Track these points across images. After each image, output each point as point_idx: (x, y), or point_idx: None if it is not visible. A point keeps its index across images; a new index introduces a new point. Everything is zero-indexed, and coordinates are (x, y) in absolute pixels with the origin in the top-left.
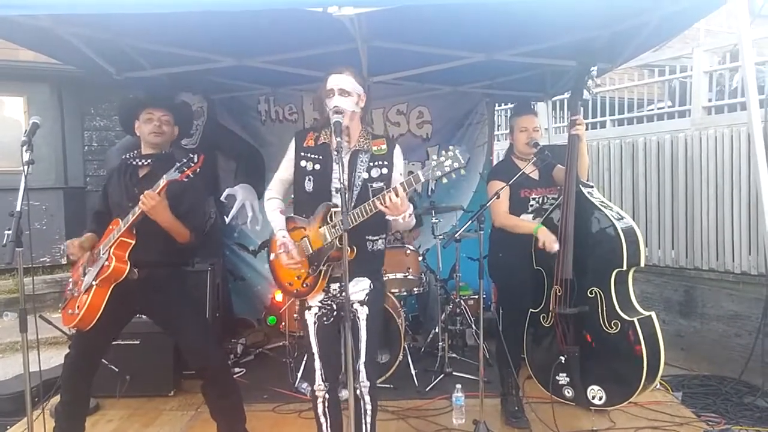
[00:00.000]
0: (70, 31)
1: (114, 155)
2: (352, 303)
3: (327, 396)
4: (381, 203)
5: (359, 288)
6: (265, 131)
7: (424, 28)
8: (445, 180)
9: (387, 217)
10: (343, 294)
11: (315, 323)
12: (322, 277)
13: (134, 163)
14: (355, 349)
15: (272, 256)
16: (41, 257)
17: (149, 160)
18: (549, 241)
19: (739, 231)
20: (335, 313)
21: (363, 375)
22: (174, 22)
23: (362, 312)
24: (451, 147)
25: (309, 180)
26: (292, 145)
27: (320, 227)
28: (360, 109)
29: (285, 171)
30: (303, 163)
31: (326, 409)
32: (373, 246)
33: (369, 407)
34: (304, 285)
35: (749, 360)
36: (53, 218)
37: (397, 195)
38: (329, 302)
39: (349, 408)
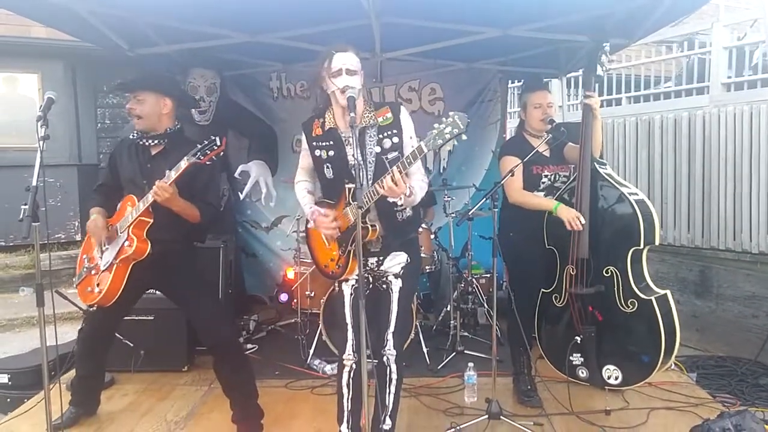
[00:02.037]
0: (87, 8)
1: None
2: (387, 275)
3: (354, 367)
4: (380, 187)
5: (396, 262)
6: (277, 108)
7: (438, 2)
8: (449, 147)
9: (388, 199)
10: (380, 268)
11: (351, 294)
12: (352, 256)
13: (145, 143)
14: (385, 320)
15: (307, 232)
16: (56, 233)
17: (160, 140)
18: (572, 217)
19: (757, 210)
20: (371, 285)
21: (390, 344)
22: None
23: (396, 284)
24: (450, 113)
25: (327, 167)
26: (303, 137)
27: (344, 208)
28: (362, 86)
29: (304, 160)
30: (317, 152)
31: (351, 380)
32: (402, 215)
33: (395, 376)
34: (338, 266)
35: (766, 341)
36: (67, 195)
37: (393, 179)
38: (366, 275)
39: (363, 381)
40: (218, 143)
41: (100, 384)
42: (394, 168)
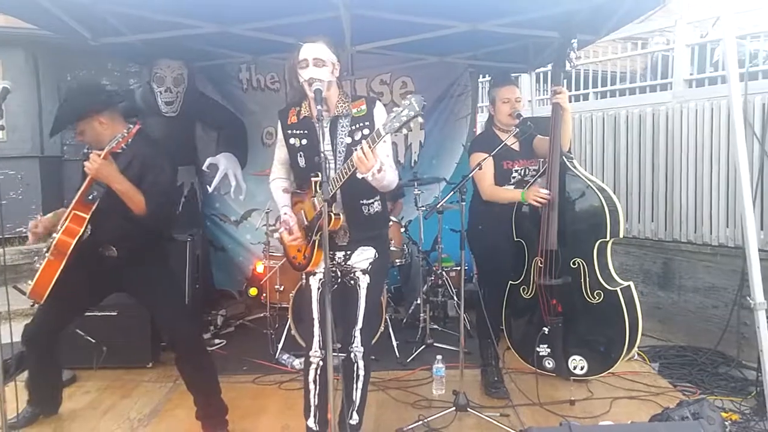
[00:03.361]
0: None
1: None
2: (355, 271)
3: (321, 363)
4: (351, 163)
5: (363, 257)
6: (247, 100)
7: None
8: (405, 131)
9: (358, 175)
10: (347, 263)
11: (319, 289)
12: (317, 247)
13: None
14: (352, 316)
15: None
16: (17, 227)
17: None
18: (534, 192)
19: (717, 204)
20: (339, 280)
21: (358, 340)
22: None
23: (363, 280)
24: (408, 96)
25: (300, 156)
26: (279, 126)
27: (312, 198)
28: (335, 77)
29: (280, 152)
30: (292, 140)
31: (317, 377)
32: (369, 209)
33: (362, 372)
34: (304, 257)
35: (725, 331)
36: (29, 187)
37: (363, 152)
38: (334, 269)
39: (328, 375)
40: (125, 133)
41: (57, 382)
42: (364, 142)
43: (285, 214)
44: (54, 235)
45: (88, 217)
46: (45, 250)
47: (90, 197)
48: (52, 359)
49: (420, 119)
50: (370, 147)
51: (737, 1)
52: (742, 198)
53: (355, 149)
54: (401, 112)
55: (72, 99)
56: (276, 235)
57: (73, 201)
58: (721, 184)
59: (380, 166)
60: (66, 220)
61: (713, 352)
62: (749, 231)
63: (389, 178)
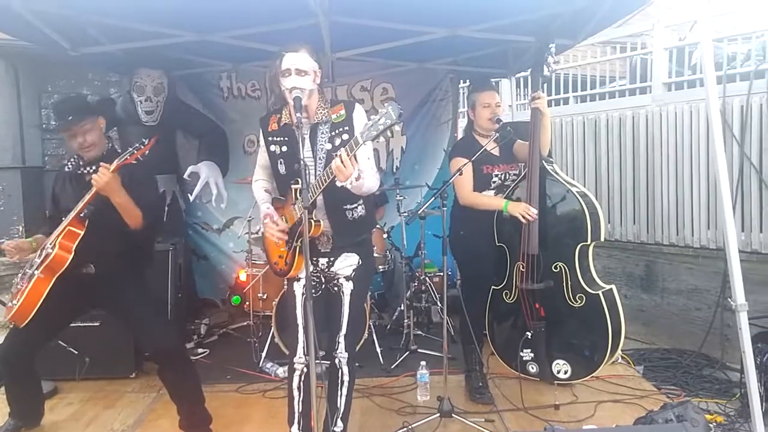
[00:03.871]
0: (23, 4)
1: None
2: (338, 277)
3: (305, 370)
4: (330, 171)
5: (347, 264)
6: (228, 108)
7: (386, 2)
8: (402, 144)
9: (337, 183)
10: (331, 269)
11: (303, 294)
12: (298, 253)
13: (80, 171)
14: (336, 322)
15: (261, 232)
16: None
17: (95, 167)
18: (523, 210)
19: (698, 206)
20: (323, 286)
21: (342, 346)
22: None
23: (347, 287)
24: (385, 104)
25: (281, 163)
26: (260, 133)
27: (292, 205)
28: (317, 85)
29: (261, 158)
30: (272, 147)
31: (302, 383)
32: (353, 214)
33: (346, 378)
34: (285, 263)
35: (708, 333)
36: (11, 198)
37: (341, 159)
38: (317, 275)
39: (311, 382)
40: (145, 143)
41: (37, 396)
42: (342, 150)
43: (268, 208)
44: (45, 252)
45: (82, 233)
46: (30, 267)
47: (82, 214)
48: (29, 375)
49: (397, 127)
50: (348, 155)
51: (714, 4)
52: (722, 200)
53: (335, 155)
54: (378, 120)
55: (79, 96)
56: (260, 227)
57: (71, 216)
58: (702, 186)
59: (358, 174)
60: (60, 236)
61: (697, 355)
62: (729, 233)
63: (368, 184)
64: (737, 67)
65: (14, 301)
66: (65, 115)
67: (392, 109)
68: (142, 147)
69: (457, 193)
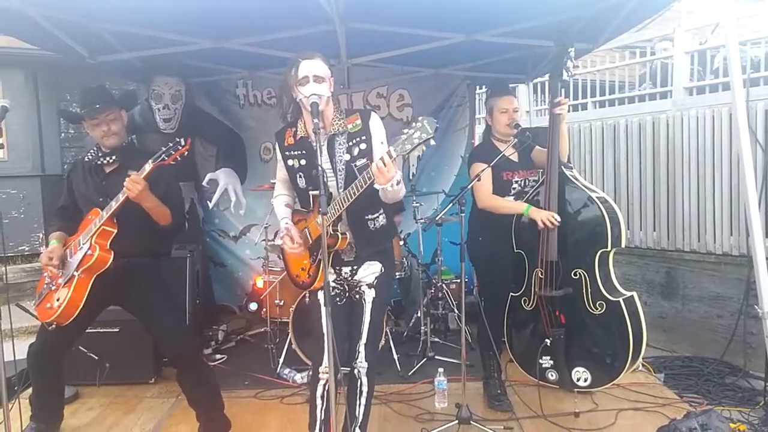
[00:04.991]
0: (41, 12)
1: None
2: (361, 285)
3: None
4: (368, 175)
5: (370, 271)
6: (244, 115)
7: (402, 8)
8: (416, 153)
9: (375, 185)
10: (354, 277)
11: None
12: (322, 266)
13: (99, 162)
14: (357, 330)
15: (280, 244)
16: (20, 245)
17: (113, 157)
18: (546, 216)
19: (720, 212)
20: (346, 294)
21: (362, 356)
22: (148, 4)
23: (369, 295)
24: (419, 118)
25: (300, 177)
26: (276, 147)
27: (316, 217)
28: (331, 92)
29: (280, 172)
30: (290, 162)
31: (326, 393)
32: (374, 224)
33: (366, 388)
34: (308, 275)
35: (731, 341)
36: (31, 206)
37: (384, 162)
38: (341, 284)
39: (331, 391)
40: (182, 143)
41: (60, 399)
42: (385, 153)
43: (287, 224)
44: (82, 252)
45: (115, 231)
46: (73, 269)
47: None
48: (57, 375)
49: (432, 141)
50: (391, 157)
51: (738, 7)
52: (748, 205)
53: (355, 166)
54: (413, 134)
55: (103, 88)
56: (278, 240)
57: (104, 216)
58: (724, 191)
59: (399, 177)
60: (94, 235)
61: (719, 362)
62: (756, 240)
63: (402, 192)
64: (761, 70)
65: (53, 304)
66: (92, 102)
67: (428, 123)
68: (180, 147)
69: (475, 196)
